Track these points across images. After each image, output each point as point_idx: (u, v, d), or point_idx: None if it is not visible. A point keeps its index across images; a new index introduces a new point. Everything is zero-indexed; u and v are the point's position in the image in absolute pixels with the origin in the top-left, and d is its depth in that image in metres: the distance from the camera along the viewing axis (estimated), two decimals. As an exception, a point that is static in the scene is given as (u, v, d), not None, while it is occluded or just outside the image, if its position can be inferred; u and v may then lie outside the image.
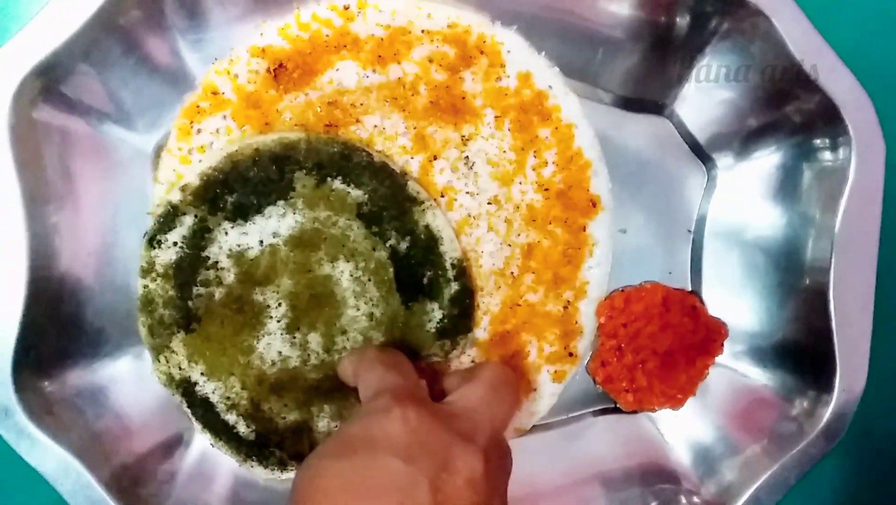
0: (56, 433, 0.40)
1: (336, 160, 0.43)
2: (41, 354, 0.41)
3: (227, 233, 0.44)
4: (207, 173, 0.43)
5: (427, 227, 0.44)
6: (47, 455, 0.40)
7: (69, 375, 0.43)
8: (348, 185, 0.44)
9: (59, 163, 0.42)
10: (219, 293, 0.44)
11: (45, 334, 0.41)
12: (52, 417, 0.41)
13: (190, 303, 0.44)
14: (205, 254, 0.44)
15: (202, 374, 0.45)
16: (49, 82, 0.40)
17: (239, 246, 0.44)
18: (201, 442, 0.46)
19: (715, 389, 0.48)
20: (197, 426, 0.45)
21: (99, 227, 0.44)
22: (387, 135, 0.45)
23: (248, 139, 0.43)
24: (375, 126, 0.45)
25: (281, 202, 0.44)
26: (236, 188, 0.43)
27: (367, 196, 0.44)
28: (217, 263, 0.44)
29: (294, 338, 0.44)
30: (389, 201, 0.44)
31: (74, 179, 0.42)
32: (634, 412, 0.49)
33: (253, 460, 0.45)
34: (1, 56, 0.38)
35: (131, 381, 0.45)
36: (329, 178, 0.44)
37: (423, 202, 0.44)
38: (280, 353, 0.45)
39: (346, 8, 0.44)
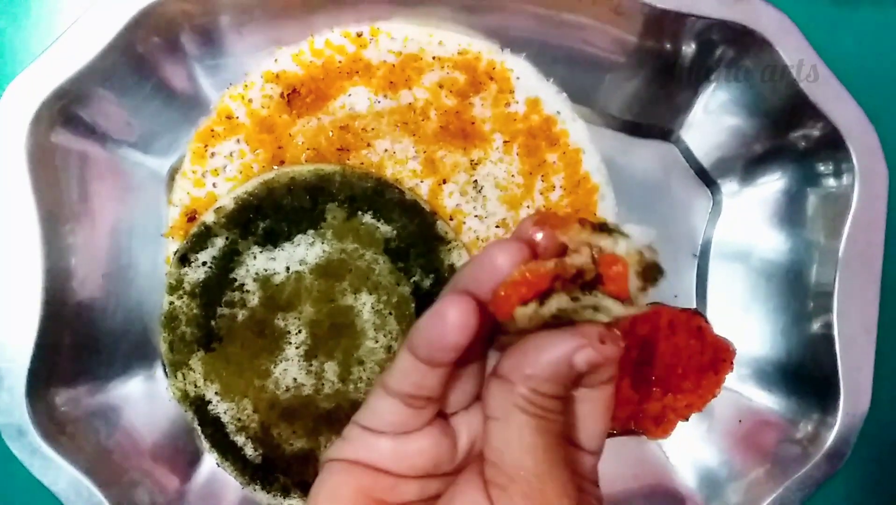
0: (68, 453, 0.40)
1: (368, 195, 0.44)
2: (55, 374, 0.42)
3: (255, 257, 0.44)
4: (242, 198, 0.44)
5: (452, 266, 0.45)
6: (60, 475, 0.40)
7: (82, 394, 0.43)
8: (378, 220, 0.44)
9: (76, 185, 0.42)
10: (242, 315, 0.44)
11: (59, 354, 0.42)
12: (64, 436, 0.41)
13: (213, 322, 0.44)
14: (232, 275, 0.44)
15: (216, 393, 0.45)
16: (67, 107, 0.40)
17: (266, 270, 0.44)
18: (210, 463, 0.46)
19: (720, 412, 0.48)
20: (205, 445, 0.45)
21: (114, 249, 0.44)
22: (397, 159, 0.45)
23: (286, 168, 0.44)
24: (386, 150, 0.45)
25: (311, 231, 0.44)
26: (269, 214, 0.44)
27: (395, 232, 0.44)
28: (243, 285, 0.44)
29: (311, 365, 0.45)
30: (417, 239, 0.45)
31: (91, 201, 0.43)
32: (631, 433, 0.49)
33: (257, 484, 0.45)
34: (20, 81, 0.39)
35: (143, 401, 0.45)
36: (360, 212, 0.44)
37: (450, 242, 0.45)
38: (295, 379, 0.45)
39: (360, 35, 0.45)
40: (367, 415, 0.30)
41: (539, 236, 0.28)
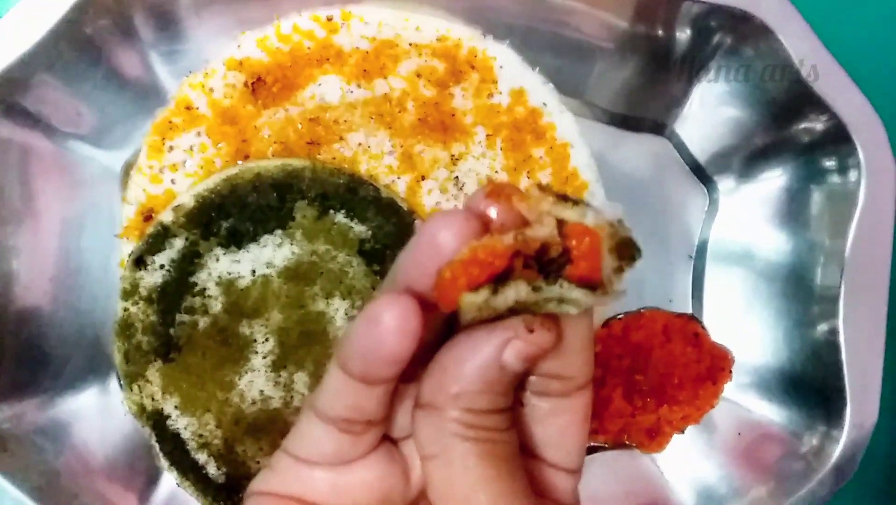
0: (12, 473, 0.38)
1: (341, 192, 0.42)
2: (-4, 388, 0.39)
3: (218, 259, 0.42)
4: (203, 195, 0.41)
5: None
6: (3, 498, 0.37)
7: (28, 409, 0.40)
8: (351, 220, 0.42)
9: (18, 182, 0.39)
10: (203, 322, 0.42)
11: (1, 366, 0.39)
12: (6, 454, 0.38)
13: (171, 330, 0.42)
14: (192, 279, 0.42)
15: (176, 407, 0.42)
16: (8, 96, 0.38)
17: (230, 274, 0.42)
18: (170, 482, 0.43)
19: (718, 425, 0.46)
20: (164, 463, 0.43)
21: (62, 251, 0.42)
22: (372, 153, 0.43)
23: (250, 163, 0.42)
24: (360, 144, 0.43)
25: (278, 231, 0.42)
26: (233, 213, 0.41)
27: (370, 232, 0.42)
28: (205, 290, 0.42)
29: (279, 376, 0.42)
30: (394, 240, 0.42)
31: (35, 199, 0.40)
32: (623, 447, 0.47)
33: None
34: (-44, 68, 0.36)
35: (96, 416, 0.42)
36: (332, 211, 0.42)
37: None
38: (262, 392, 0.42)
39: (330, 19, 0.42)
40: (297, 443, 0.26)
41: (493, 210, 0.23)
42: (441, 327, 0.24)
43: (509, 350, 0.22)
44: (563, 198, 0.23)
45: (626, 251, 0.22)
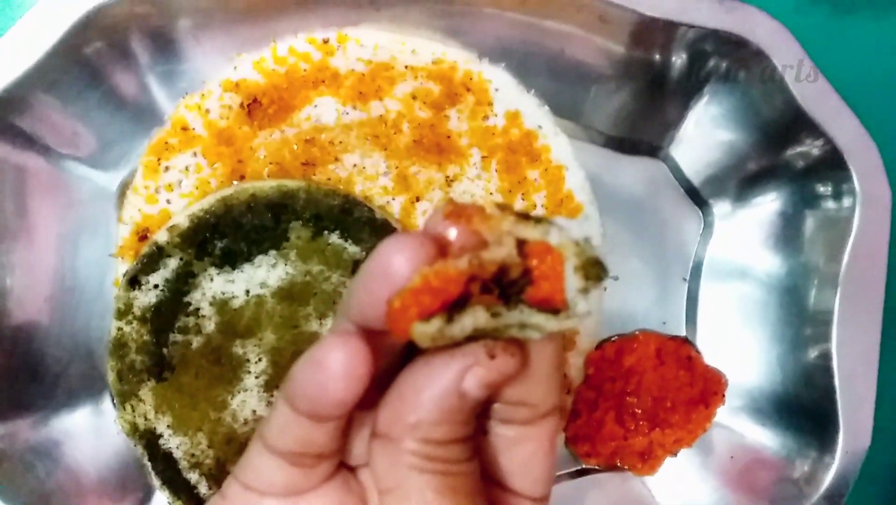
0: (4, 492, 0.38)
1: (335, 213, 0.42)
2: (-11, 406, 0.39)
3: (212, 279, 0.41)
4: (199, 216, 0.41)
5: None
6: None
7: (21, 428, 0.40)
8: (346, 241, 0.42)
9: (13, 201, 0.39)
10: (196, 342, 0.42)
11: (-6, 384, 0.39)
12: (-1, 474, 0.38)
13: (165, 350, 0.41)
14: (186, 299, 0.41)
15: (168, 426, 0.42)
16: (4, 116, 0.38)
17: (223, 294, 0.41)
18: (161, 502, 0.43)
19: (711, 448, 0.46)
20: (156, 482, 0.42)
21: (57, 270, 0.42)
22: (367, 175, 0.43)
23: (246, 184, 0.41)
24: (355, 165, 0.43)
25: (273, 252, 0.41)
26: (227, 233, 0.41)
27: (364, 253, 0.42)
28: (198, 309, 0.41)
29: (272, 396, 0.42)
30: None
31: (30, 218, 0.40)
32: (615, 469, 0.46)
33: None
34: (-47, 88, 0.36)
35: (89, 435, 0.42)
36: (326, 232, 0.42)
37: None
38: (255, 411, 0.42)
39: (326, 42, 0.42)
40: (247, 473, 0.25)
41: (452, 232, 0.22)
42: (402, 350, 0.23)
43: (470, 377, 0.21)
44: (524, 217, 0.22)
45: (593, 271, 0.21)
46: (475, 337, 0.21)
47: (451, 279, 0.20)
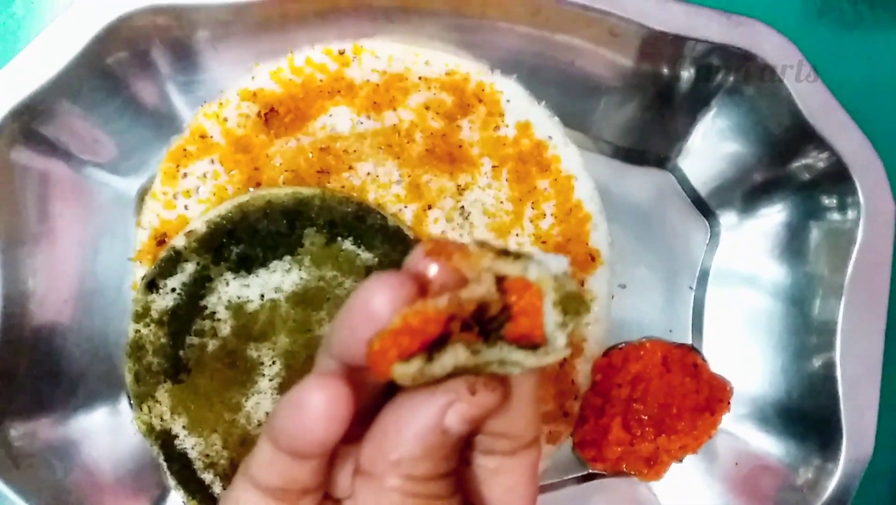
0: (23, 491, 0.38)
1: (349, 220, 0.42)
2: (11, 406, 0.39)
3: (228, 284, 0.42)
4: (215, 221, 0.42)
5: None
6: None
7: (41, 428, 0.41)
8: (359, 247, 0.42)
9: (36, 205, 0.40)
10: (212, 345, 0.42)
11: (15, 384, 0.39)
12: (19, 471, 0.39)
13: (181, 352, 0.42)
14: (203, 303, 0.42)
15: (184, 427, 0.43)
16: (28, 123, 0.38)
17: (239, 298, 0.42)
18: (176, 501, 0.44)
19: (716, 455, 0.46)
20: (171, 482, 0.43)
21: (77, 273, 0.42)
22: (380, 183, 0.43)
23: (262, 191, 0.42)
24: (369, 173, 0.43)
25: (287, 257, 0.42)
26: (243, 239, 0.42)
27: (377, 260, 0.42)
28: (214, 313, 0.42)
29: None
30: (399, 267, 0.42)
31: (52, 223, 0.41)
32: (622, 474, 0.47)
33: None
34: (-20, 96, 0.37)
35: (106, 434, 0.43)
36: (340, 238, 0.42)
37: None
38: (268, 413, 0.43)
39: (342, 53, 0.43)
40: None
41: (433, 270, 0.22)
42: (385, 384, 0.23)
43: (452, 413, 0.21)
44: (504, 253, 0.22)
45: (572, 305, 0.22)
46: (456, 373, 0.22)
47: (430, 319, 0.21)
